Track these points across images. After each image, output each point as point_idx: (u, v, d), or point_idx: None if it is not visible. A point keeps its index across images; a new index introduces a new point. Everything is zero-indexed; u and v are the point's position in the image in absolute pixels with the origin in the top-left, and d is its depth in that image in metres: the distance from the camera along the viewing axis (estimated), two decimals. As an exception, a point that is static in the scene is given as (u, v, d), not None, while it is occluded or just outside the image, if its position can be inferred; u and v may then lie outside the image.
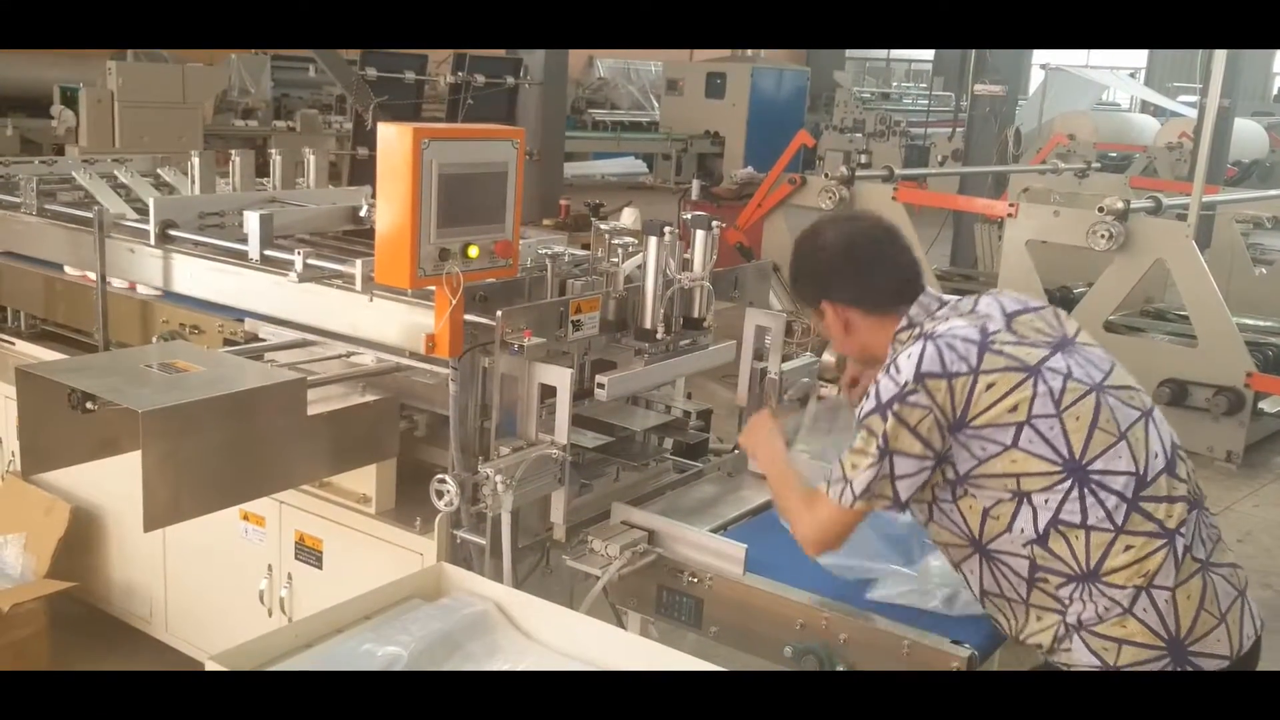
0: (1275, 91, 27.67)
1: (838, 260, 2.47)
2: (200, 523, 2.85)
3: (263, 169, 4.53)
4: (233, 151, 4.32)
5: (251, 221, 3.31)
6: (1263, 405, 7.11)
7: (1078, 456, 2.15)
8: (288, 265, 3.18)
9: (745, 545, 2.73)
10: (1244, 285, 8.89)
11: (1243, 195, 9.94)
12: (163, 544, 3.68)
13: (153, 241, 3.65)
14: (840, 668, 2.54)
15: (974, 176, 11.08)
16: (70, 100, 9.54)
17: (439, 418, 3.09)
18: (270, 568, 3.39)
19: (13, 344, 4.28)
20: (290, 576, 3.35)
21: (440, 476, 2.88)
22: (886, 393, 2.22)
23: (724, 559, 2.75)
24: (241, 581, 3.45)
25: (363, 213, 3.84)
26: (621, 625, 2.87)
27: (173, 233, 3.67)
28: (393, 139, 2.65)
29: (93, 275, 3.87)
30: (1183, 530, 2.15)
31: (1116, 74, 23.68)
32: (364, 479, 3.14)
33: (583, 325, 3.02)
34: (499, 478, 2.73)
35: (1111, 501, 2.14)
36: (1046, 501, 2.16)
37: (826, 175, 8.71)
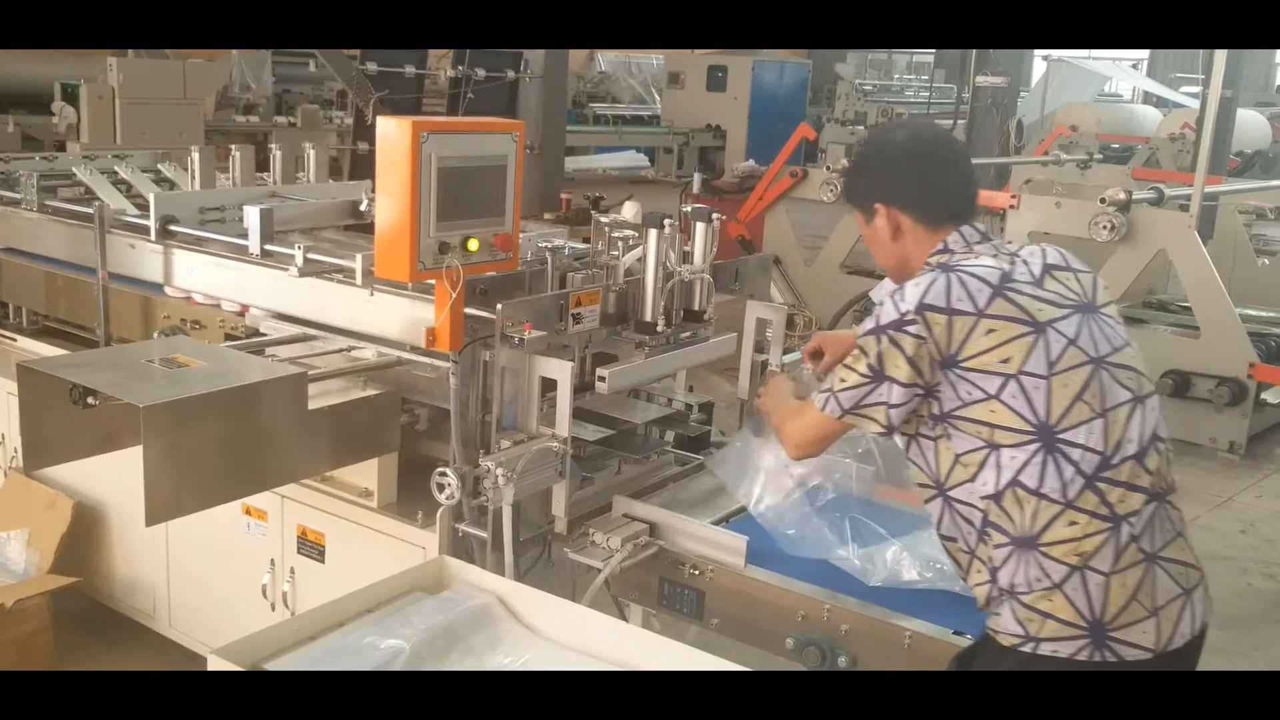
0: (1278, 82, 27.61)
1: (906, 159, 2.42)
2: (202, 517, 2.85)
3: (263, 164, 4.53)
4: (232, 146, 4.32)
5: (252, 216, 3.31)
6: (1265, 396, 7.11)
7: (1052, 422, 2.12)
8: (288, 260, 3.18)
9: (747, 537, 2.74)
10: (1246, 276, 8.88)
11: (1245, 186, 9.92)
12: (165, 539, 3.68)
13: (153, 237, 3.66)
14: (842, 659, 2.55)
15: (976, 168, 11.05)
16: (71, 96, 9.54)
17: (440, 411, 3.08)
18: (272, 562, 3.40)
19: (14, 340, 4.29)
20: (293, 570, 3.36)
21: (441, 470, 2.88)
22: (886, 317, 2.21)
23: (726, 551, 2.76)
24: (244, 576, 3.46)
25: (363, 207, 3.84)
26: (623, 618, 2.88)
27: (173, 228, 3.68)
28: (392, 132, 2.65)
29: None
30: (1132, 519, 2.12)
31: (1119, 65, 23.63)
32: (365, 473, 3.14)
33: (583, 318, 3.02)
34: (500, 471, 2.73)
35: (1069, 473, 2.11)
36: (1013, 459, 2.14)
37: (828, 168, 8.69)
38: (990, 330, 2.15)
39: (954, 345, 2.16)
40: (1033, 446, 2.12)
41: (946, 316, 2.16)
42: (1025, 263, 2.27)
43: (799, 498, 2.84)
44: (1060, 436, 2.12)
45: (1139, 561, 2.12)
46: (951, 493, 2.25)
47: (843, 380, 2.27)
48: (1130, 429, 2.15)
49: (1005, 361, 2.14)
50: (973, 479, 2.20)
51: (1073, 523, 2.11)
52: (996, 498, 2.16)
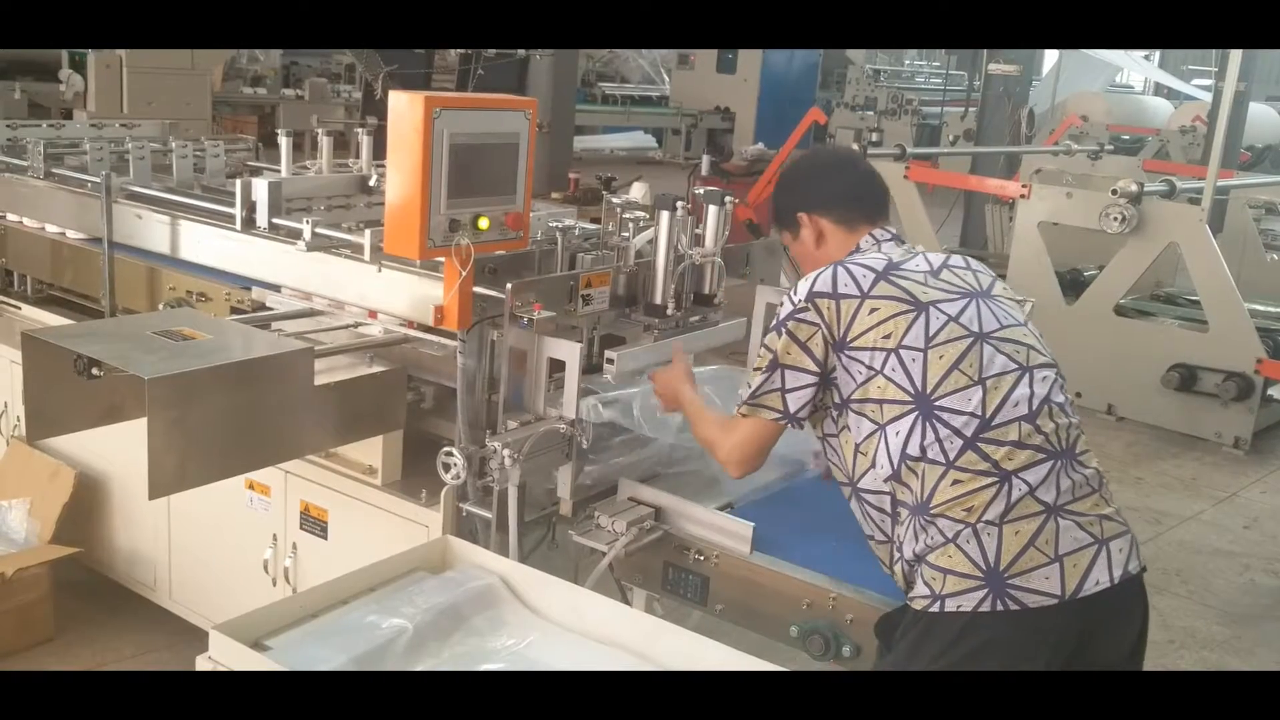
0: (1291, 76, 27.40)
1: (816, 170, 2.69)
2: (205, 491, 2.83)
3: (269, 139, 4.48)
4: (320, 131, 3.92)
5: (260, 189, 3.27)
6: (1272, 391, 7.10)
7: (928, 391, 2.24)
8: (296, 234, 3.15)
9: (752, 524, 2.72)
10: (1255, 271, 8.85)
11: (1256, 180, 9.87)
12: (167, 511, 3.67)
13: (238, 227, 3.34)
14: (846, 648, 2.54)
15: (986, 157, 11.01)
16: (79, 65, 9.51)
17: (446, 390, 3.07)
18: (275, 537, 3.39)
19: (19, 308, 4.27)
20: (295, 546, 3.35)
21: (447, 449, 2.86)
22: (784, 312, 2.38)
23: (731, 537, 2.74)
24: (246, 550, 3.44)
25: (372, 182, 3.81)
26: (627, 601, 2.86)
27: (167, 195, 3.64)
28: (404, 107, 2.62)
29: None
30: (1024, 474, 2.19)
31: (1131, 56, 23.48)
32: (370, 450, 3.12)
33: (592, 299, 3.00)
34: (506, 451, 2.71)
35: (946, 434, 2.22)
36: (897, 434, 2.26)
37: (839, 152, 8.64)
38: (874, 310, 2.30)
39: (842, 327, 2.31)
40: (912, 416, 2.25)
41: (834, 301, 2.32)
42: (926, 259, 2.44)
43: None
44: (937, 404, 2.23)
45: (1037, 513, 2.19)
46: (860, 485, 2.36)
47: (751, 379, 2.42)
48: (1015, 394, 2.24)
49: (887, 337, 2.28)
50: (873, 464, 2.31)
51: (956, 481, 2.20)
52: (895, 476, 2.27)
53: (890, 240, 2.52)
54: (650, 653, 2.38)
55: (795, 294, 2.37)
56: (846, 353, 2.30)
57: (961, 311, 2.31)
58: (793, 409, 2.36)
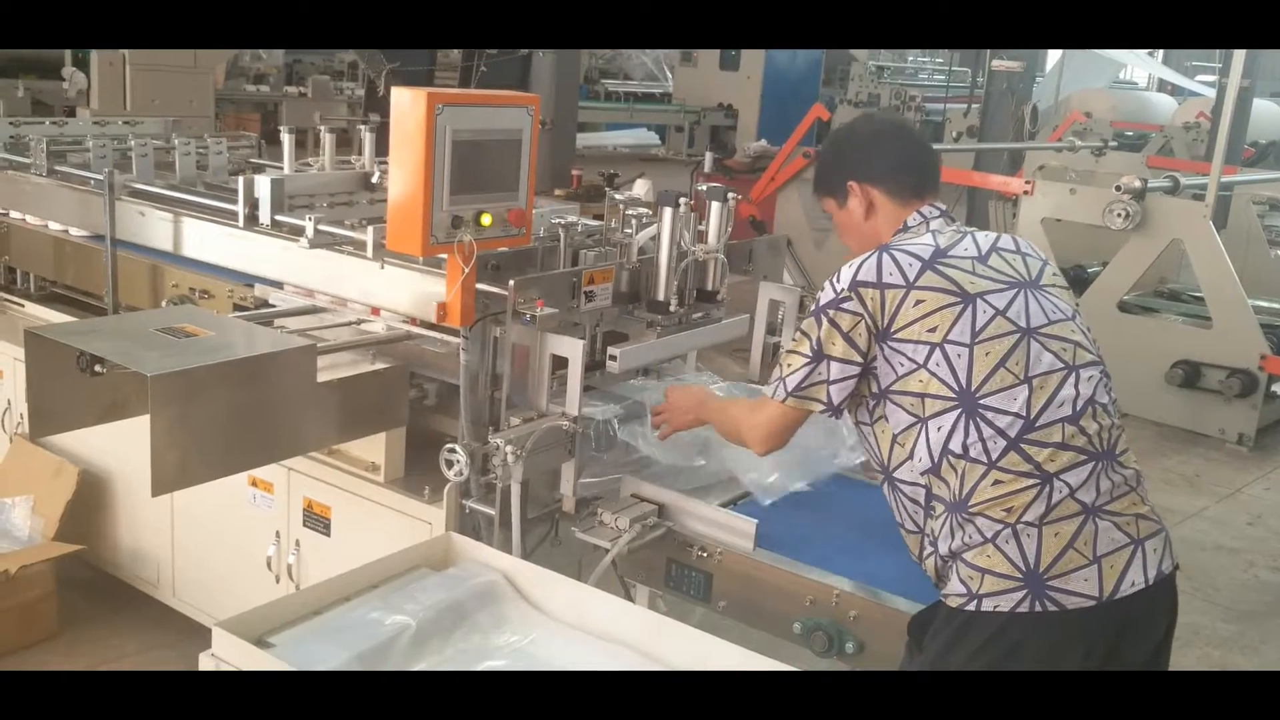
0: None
1: (873, 138, 2.55)
2: (208, 488, 2.84)
3: (271, 137, 4.47)
4: (322, 129, 3.89)
5: (262, 186, 3.27)
6: (1276, 388, 7.08)
7: (973, 388, 2.18)
8: (299, 230, 3.15)
9: (756, 520, 2.72)
10: (1259, 267, 8.84)
11: (1260, 176, 9.85)
12: (170, 509, 3.67)
13: (241, 224, 3.26)
14: (850, 644, 2.53)
15: (989, 153, 10.97)
16: (82, 63, 9.51)
17: (449, 387, 3.07)
18: (278, 534, 3.39)
19: (22, 306, 4.27)
20: (298, 543, 3.35)
21: (450, 446, 2.86)
22: (825, 299, 2.31)
23: (734, 534, 2.74)
24: (249, 547, 3.45)
25: (375, 179, 3.81)
26: (630, 598, 2.86)
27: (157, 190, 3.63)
28: (406, 104, 2.62)
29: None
30: (1065, 476, 2.15)
31: (1135, 52, 23.43)
32: (373, 447, 3.12)
33: (595, 296, 3.00)
34: (509, 448, 2.71)
35: (989, 434, 2.17)
36: (939, 429, 2.21)
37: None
38: (919, 301, 2.23)
39: (886, 318, 2.24)
40: (955, 412, 2.19)
41: (878, 290, 2.25)
42: (975, 241, 2.36)
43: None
44: (981, 401, 2.18)
45: (1076, 514, 2.15)
46: (896, 475, 2.32)
47: (789, 365, 2.35)
48: (1060, 394, 2.20)
49: (932, 330, 2.22)
50: (910, 456, 2.26)
51: (998, 481, 2.16)
52: (934, 469, 2.23)
53: (939, 218, 2.44)
54: (653, 650, 2.38)
55: (838, 281, 2.30)
56: (890, 344, 2.24)
57: (1009, 304, 2.25)
58: (836, 400, 2.31)
